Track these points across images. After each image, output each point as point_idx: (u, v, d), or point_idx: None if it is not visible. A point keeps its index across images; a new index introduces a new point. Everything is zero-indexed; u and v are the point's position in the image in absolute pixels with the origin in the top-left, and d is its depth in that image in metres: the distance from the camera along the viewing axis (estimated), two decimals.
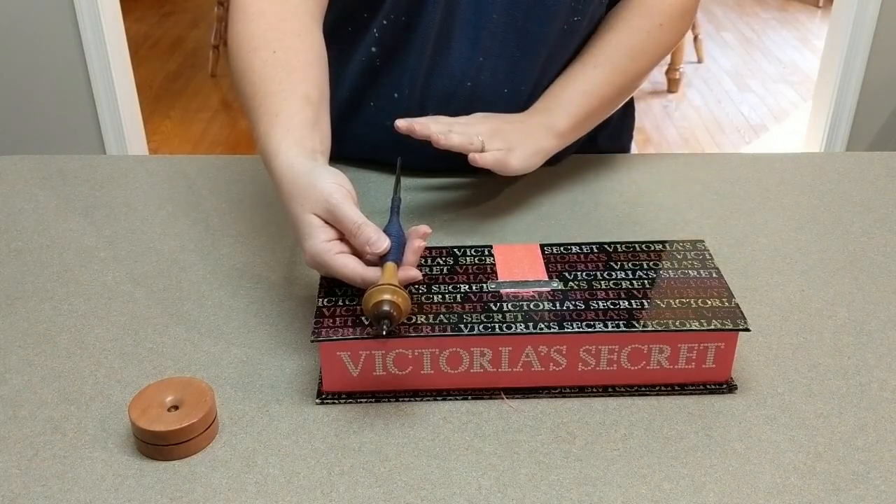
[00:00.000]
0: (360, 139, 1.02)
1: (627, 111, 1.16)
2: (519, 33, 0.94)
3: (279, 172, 0.73)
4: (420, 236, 0.70)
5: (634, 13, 0.98)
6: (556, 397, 0.69)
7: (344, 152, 1.05)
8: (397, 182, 0.80)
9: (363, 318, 0.67)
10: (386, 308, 0.62)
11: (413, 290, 0.71)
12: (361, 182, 1.01)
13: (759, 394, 0.70)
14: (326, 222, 0.69)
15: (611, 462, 0.63)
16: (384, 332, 0.62)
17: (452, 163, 1.02)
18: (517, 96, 0.97)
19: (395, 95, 0.97)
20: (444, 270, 0.74)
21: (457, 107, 0.97)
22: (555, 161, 1.05)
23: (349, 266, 0.67)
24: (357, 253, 0.69)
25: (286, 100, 0.77)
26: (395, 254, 0.68)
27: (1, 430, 0.66)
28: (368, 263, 0.68)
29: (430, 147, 1.00)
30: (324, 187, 0.69)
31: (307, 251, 0.69)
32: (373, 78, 0.97)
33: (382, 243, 0.68)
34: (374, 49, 0.95)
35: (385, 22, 0.93)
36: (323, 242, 0.68)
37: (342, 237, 0.69)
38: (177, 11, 4.61)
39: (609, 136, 1.13)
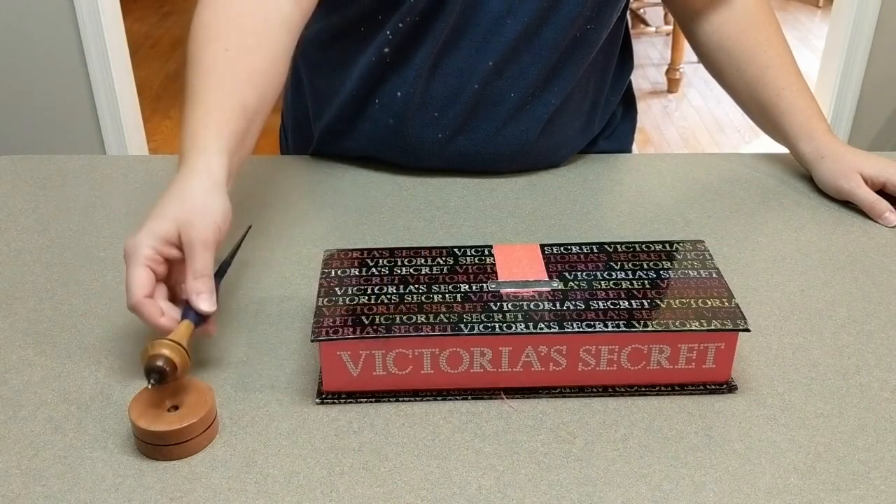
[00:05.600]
0: (362, 135, 1.02)
1: (629, 113, 1.16)
2: (531, 39, 0.93)
3: (193, 167, 0.72)
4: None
5: (749, 35, 1.03)
6: (556, 397, 0.69)
7: (345, 149, 1.05)
8: (236, 247, 0.78)
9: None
10: (159, 363, 0.62)
11: (413, 290, 0.71)
12: (361, 182, 1.01)
13: (759, 394, 0.70)
14: (175, 241, 0.68)
15: (611, 462, 0.63)
16: (150, 385, 0.62)
17: (452, 163, 1.02)
18: (522, 101, 0.97)
19: (399, 94, 0.97)
20: (444, 270, 0.74)
21: (460, 108, 0.97)
22: (556, 162, 1.06)
23: (148, 306, 0.66)
24: (168, 283, 0.70)
25: (224, 99, 0.76)
26: (195, 315, 0.68)
27: (1, 430, 0.66)
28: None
29: (429, 148, 1.00)
30: (207, 220, 0.69)
31: (136, 238, 0.67)
32: (381, 76, 0.97)
33: (209, 305, 0.67)
34: (386, 50, 0.95)
35: (400, 24, 0.93)
36: (151, 248, 0.67)
37: (168, 261, 0.69)
38: (177, 11, 4.61)
39: (610, 139, 1.13)
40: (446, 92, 0.96)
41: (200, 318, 0.68)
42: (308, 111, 1.08)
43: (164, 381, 0.62)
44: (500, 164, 1.02)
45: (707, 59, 1.07)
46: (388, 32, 0.94)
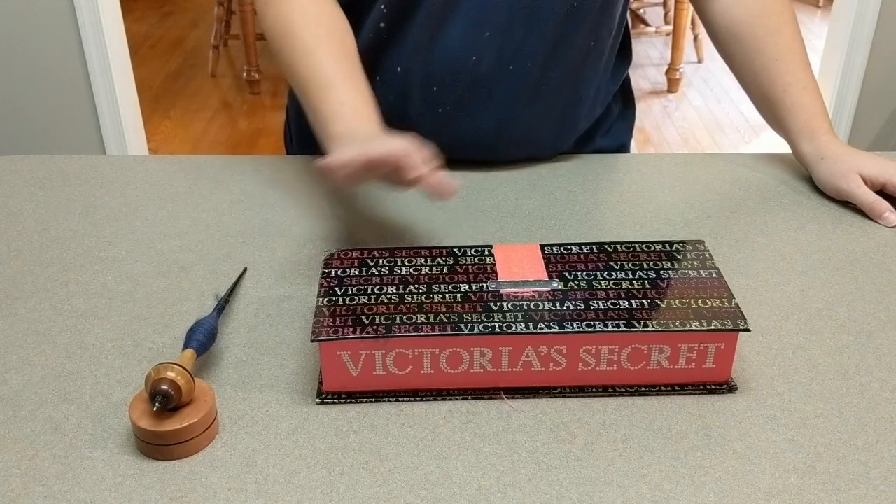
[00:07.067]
0: None
1: (627, 109, 1.16)
2: (526, 10, 0.94)
3: (368, 121, 0.83)
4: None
5: (760, 22, 1.01)
6: (556, 397, 0.69)
7: None
8: (233, 286, 0.81)
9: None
10: (164, 387, 0.62)
11: (413, 290, 0.71)
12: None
13: (759, 394, 0.70)
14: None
15: (611, 462, 0.63)
16: (155, 408, 0.62)
17: (454, 148, 1.01)
18: (523, 75, 0.97)
19: (398, 69, 0.97)
20: (444, 270, 0.74)
21: (460, 83, 0.97)
22: (559, 148, 1.05)
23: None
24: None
25: (359, 81, 0.88)
26: (198, 345, 0.69)
27: (1, 430, 0.66)
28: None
29: (430, 125, 0.99)
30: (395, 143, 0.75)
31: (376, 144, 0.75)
32: (380, 52, 0.98)
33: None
34: (382, 25, 0.96)
35: None
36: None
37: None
38: (177, 11, 4.61)
39: (608, 135, 1.13)
40: (445, 66, 0.96)
41: (202, 348, 0.70)
42: None
43: (168, 404, 0.62)
44: (501, 148, 1.02)
45: (717, 41, 1.06)
46: (381, 6, 0.94)
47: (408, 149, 0.74)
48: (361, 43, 0.98)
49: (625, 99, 1.15)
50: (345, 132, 0.81)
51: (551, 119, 1.02)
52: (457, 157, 1.03)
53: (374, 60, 0.98)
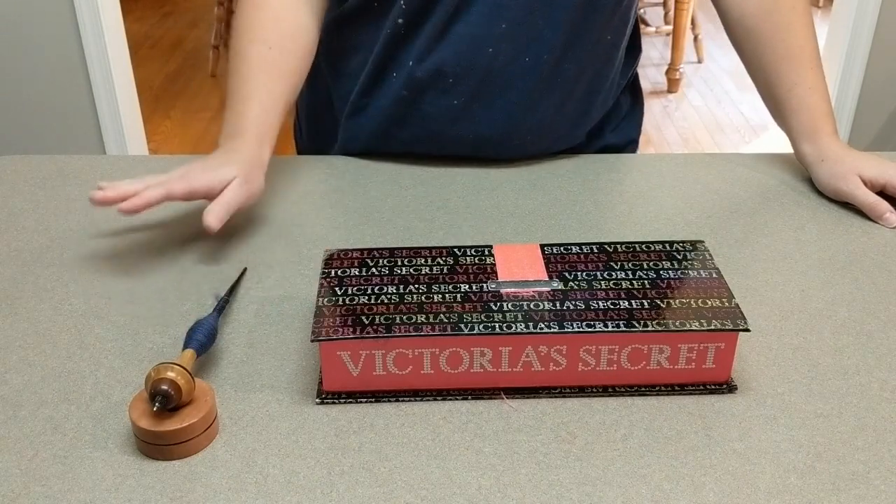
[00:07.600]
0: (379, 112, 1.02)
1: (636, 105, 1.16)
2: (543, 3, 0.94)
3: (246, 141, 0.90)
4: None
5: (771, 18, 1.00)
6: (556, 397, 0.69)
7: (364, 130, 1.04)
8: (233, 286, 0.81)
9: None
10: (164, 387, 0.62)
11: (413, 290, 0.71)
12: (361, 182, 1.01)
13: (759, 394, 0.70)
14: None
15: (611, 462, 0.63)
16: (154, 408, 0.62)
17: (465, 142, 1.01)
18: (538, 68, 0.97)
19: (411, 63, 0.97)
20: (444, 270, 0.74)
21: (475, 74, 0.97)
22: (571, 142, 1.05)
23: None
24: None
25: (274, 104, 0.93)
26: (198, 345, 0.69)
27: (1, 430, 0.66)
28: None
29: (444, 118, 0.99)
30: (226, 175, 0.86)
31: (194, 167, 0.86)
32: (394, 47, 0.98)
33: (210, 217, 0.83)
34: (400, 21, 0.96)
35: None
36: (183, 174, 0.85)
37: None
38: (177, 11, 4.61)
39: (617, 131, 1.12)
40: (459, 57, 0.96)
41: (202, 348, 0.70)
42: (324, 101, 1.09)
43: (168, 404, 0.62)
44: (515, 142, 1.01)
45: (729, 32, 1.05)
46: (401, 2, 0.94)
47: (215, 190, 0.85)
48: (380, 40, 0.98)
49: (634, 94, 1.15)
50: (221, 143, 0.91)
51: (566, 112, 1.02)
52: (470, 153, 1.02)
53: (388, 56, 0.98)
